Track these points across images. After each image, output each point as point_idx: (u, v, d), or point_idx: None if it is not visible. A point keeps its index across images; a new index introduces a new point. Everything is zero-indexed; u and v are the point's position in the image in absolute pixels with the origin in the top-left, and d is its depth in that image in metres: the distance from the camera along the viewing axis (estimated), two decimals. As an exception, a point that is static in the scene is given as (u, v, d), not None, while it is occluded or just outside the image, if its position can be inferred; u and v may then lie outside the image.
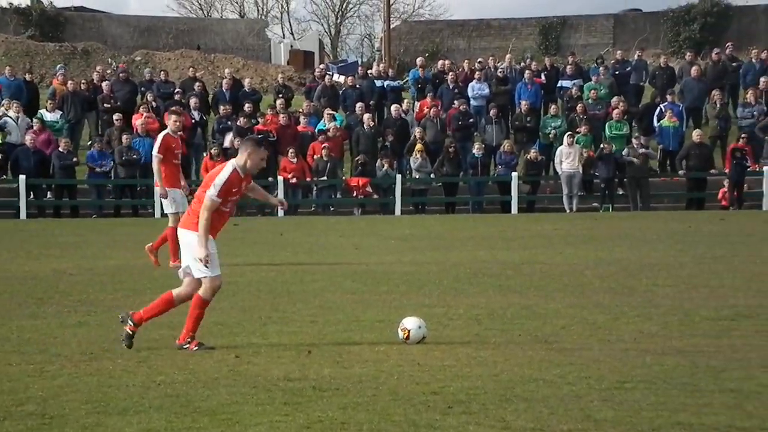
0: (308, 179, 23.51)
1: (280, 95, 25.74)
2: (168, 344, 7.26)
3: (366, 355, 6.85)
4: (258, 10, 53.08)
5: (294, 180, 23.22)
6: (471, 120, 24.70)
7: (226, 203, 7.00)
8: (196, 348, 7.02)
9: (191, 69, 28.34)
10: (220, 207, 6.93)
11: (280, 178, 23.03)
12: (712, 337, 7.51)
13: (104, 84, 25.25)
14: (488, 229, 18.92)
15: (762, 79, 25.62)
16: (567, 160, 23.21)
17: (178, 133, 13.05)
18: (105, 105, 24.66)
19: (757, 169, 23.62)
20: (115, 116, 23.84)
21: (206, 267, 6.88)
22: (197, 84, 25.69)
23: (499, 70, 26.41)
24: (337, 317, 8.53)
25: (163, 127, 23.30)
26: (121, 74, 26.29)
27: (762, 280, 10.76)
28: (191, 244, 6.95)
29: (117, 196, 23.42)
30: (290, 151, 23.32)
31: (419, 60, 28.65)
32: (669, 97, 24.72)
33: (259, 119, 24.25)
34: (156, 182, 12.72)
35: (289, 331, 7.82)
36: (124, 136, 23.07)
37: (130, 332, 7.04)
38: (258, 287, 10.36)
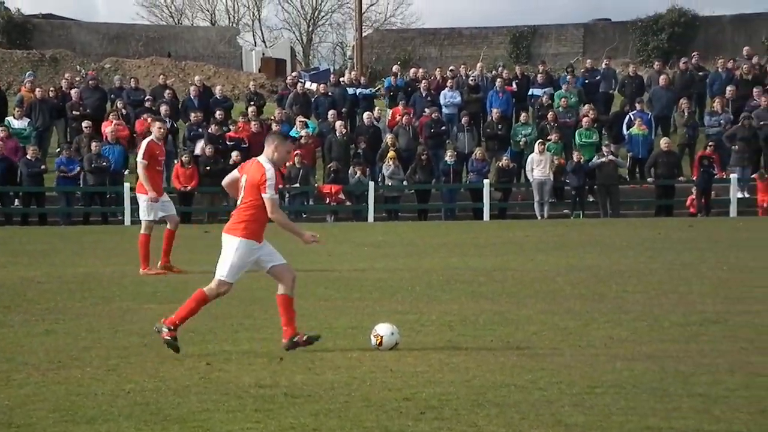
0: (280, 186, 23.42)
1: (252, 103, 25.67)
2: (137, 352, 7.20)
3: (338, 361, 6.84)
4: (229, 18, 52.96)
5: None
6: (443, 128, 24.79)
7: None
8: (168, 339, 6.97)
9: (162, 76, 28.16)
10: (263, 206, 7.10)
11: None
12: (681, 343, 7.59)
13: (73, 91, 25.03)
14: (460, 235, 18.97)
15: (728, 88, 25.93)
16: (538, 167, 23.35)
17: (162, 140, 12.97)
18: (74, 112, 24.44)
19: (724, 177, 23.91)
20: (85, 123, 23.65)
21: (317, 242, 7.28)
22: (168, 91, 25.53)
23: (471, 78, 26.53)
24: (309, 324, 8.50)
25: (133, 134, 23.39)
26: (90, 81, 26.07)
27: (729, 286, 10.87)
28: (229, 249, 7.12)
29: (86, 203, 23.22)
30: (262, 158, 23.24)
31: (395, 68, 28.72)
32: (638, 106, 24.96)
33: (231, 127, 24.16)
34: (146, 189, 12.48)
35: (260, 338, 7.79)
36: (94, 143, 22.88)
37: (297, 340, 7.17)
38: (230, 294, 10.29)
